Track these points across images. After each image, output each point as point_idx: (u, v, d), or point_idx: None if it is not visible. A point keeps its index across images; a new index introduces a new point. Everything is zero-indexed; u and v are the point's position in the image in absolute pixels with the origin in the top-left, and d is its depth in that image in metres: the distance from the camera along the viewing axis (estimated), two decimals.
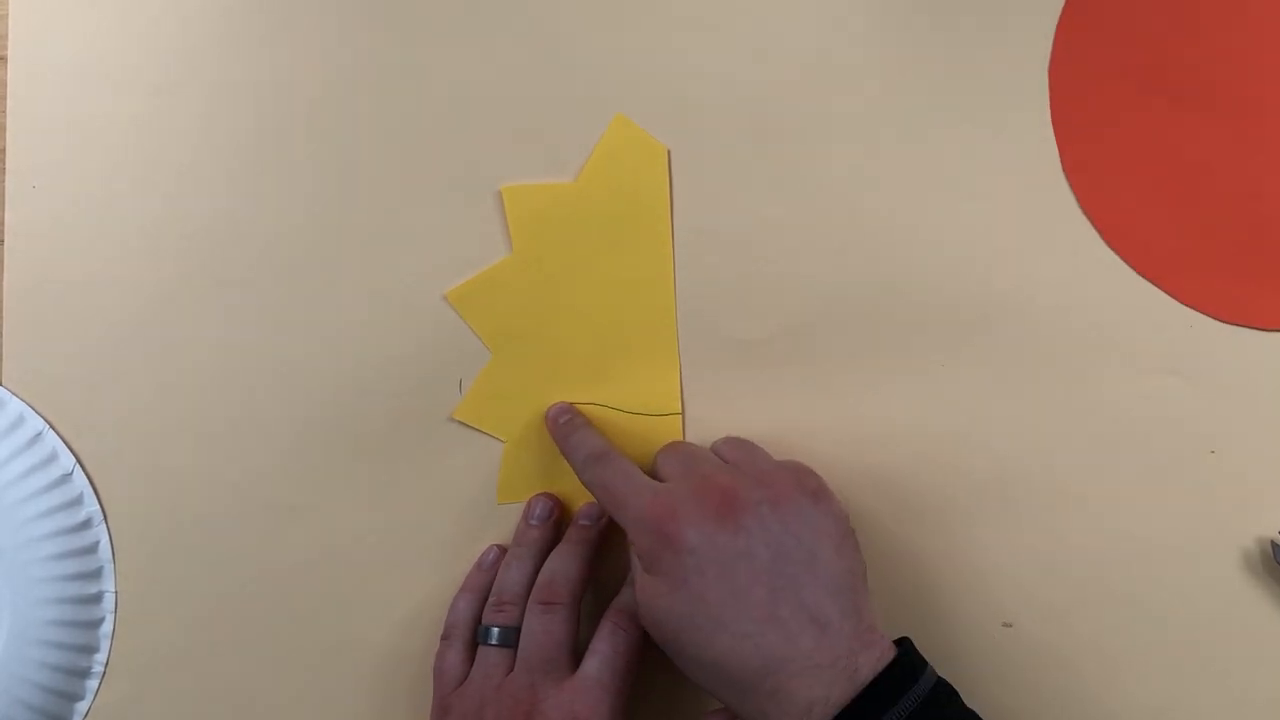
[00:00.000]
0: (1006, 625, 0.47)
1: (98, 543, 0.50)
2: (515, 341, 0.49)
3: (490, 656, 0.45)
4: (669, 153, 0.48)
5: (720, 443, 0.46)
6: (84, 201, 0.50)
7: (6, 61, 0.50)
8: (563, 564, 0.46)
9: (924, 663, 0.39)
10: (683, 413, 0.49)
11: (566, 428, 0.47)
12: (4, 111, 0.50)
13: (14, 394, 0.50)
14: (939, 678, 0.38)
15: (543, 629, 0.44)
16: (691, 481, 0.42)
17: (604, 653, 0.44)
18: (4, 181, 0.50)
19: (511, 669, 0.45)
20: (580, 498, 0.49)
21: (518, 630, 0.45)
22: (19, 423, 0.49)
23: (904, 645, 0.39)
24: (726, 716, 0.44)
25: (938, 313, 0.48)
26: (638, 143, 0.49)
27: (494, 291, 0.49)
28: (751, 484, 0.41)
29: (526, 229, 0.49)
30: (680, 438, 0.48)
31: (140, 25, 0.50)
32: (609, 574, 0.48)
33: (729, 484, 0.41)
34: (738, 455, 0.44)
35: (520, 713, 0.43)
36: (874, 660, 0.38)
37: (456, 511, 0.49)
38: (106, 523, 0.50)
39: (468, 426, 0.49)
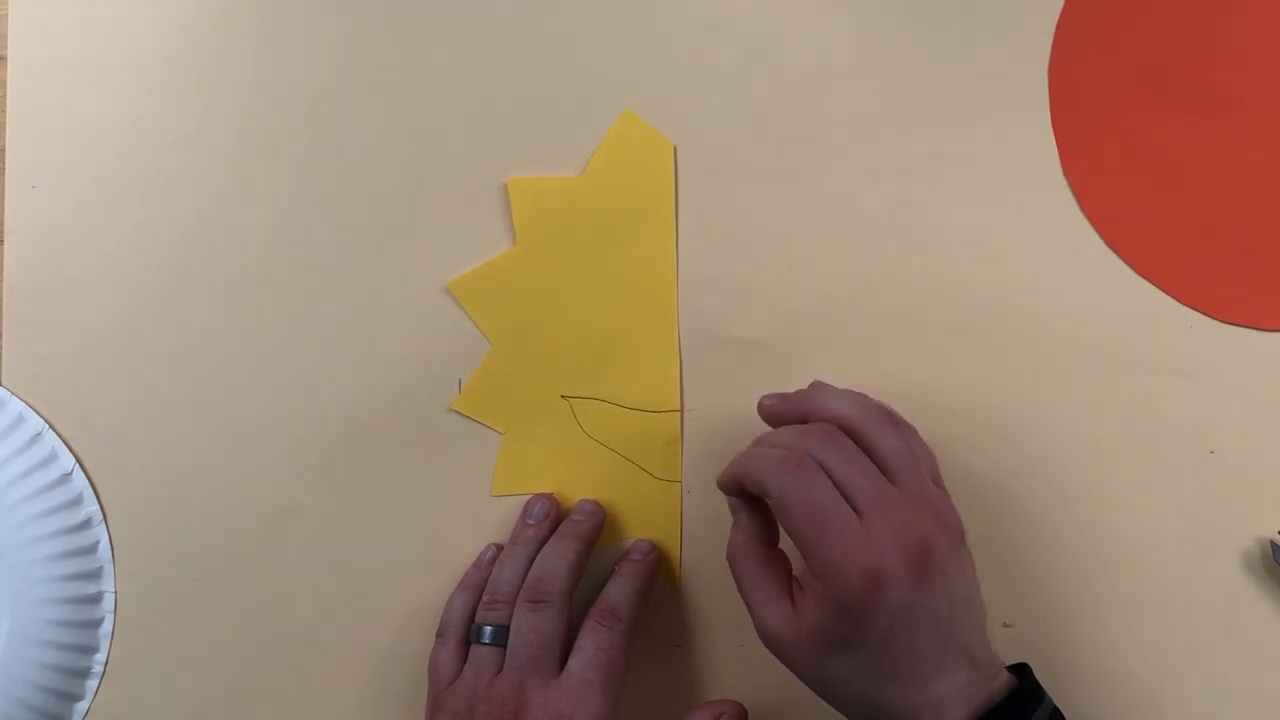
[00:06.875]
0: (1006, 625, 0.47)
1: (97, 543, 0.49)
2: (516, 333, 0.49)
3: (482, 655, 0.45)
4: (675, 149, 0.48)
5: (867, 424, 0.41)
6: (84, 201, 0.50)
7: (6, 61, 0.50)
8: (552, 561, 0.46)
9: (1042, 692, 0.40)
10: (681, 409, 0.49)
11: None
12: (4, 111, 0.50)
13: (14, 394, 0.50)
14: (1055, 708, 0.39)
15: (530, 627, 0.44)
16: (894, 528, 0.39)
17: (589, 650, 0.44)
18: (4, 181, 0.50)
19: (503, 667, 0.45)
20: (575, 496, 0.49)
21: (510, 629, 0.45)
22: (19, 423, 0.49)
23: (1026, 673, 0.40)
24: (716, 710, 0.44)
25: (937, 313, 0.48)
26: (644, 138, 0.49)
27: (496, 283, 0.49)
28: (939, 529, 0.40)
29: (530, 222, 0.49)
30: (678, 434, 0.48)
31: (140, 25, 0.50)
32: (601, 570, 0.48)
33: (925, 535, 0.39)
34: (900, 463, 0.41)
35: (508, 711, 0.43)
36: (1003, 686, 0.39)
37: (455, 507, 0.49)
38: (106, 523, 0.50)
39: (467, 418, 0.49)
